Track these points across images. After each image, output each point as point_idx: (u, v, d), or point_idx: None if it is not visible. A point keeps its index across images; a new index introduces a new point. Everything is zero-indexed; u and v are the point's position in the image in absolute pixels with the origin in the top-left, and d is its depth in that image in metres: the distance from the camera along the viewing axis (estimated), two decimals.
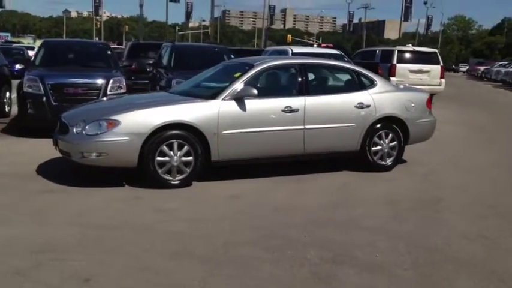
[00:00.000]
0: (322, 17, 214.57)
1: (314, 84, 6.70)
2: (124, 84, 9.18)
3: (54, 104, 8.45)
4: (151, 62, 12.13)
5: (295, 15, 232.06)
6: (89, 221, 4.63)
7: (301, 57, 7.84)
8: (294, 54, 11.64)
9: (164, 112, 5.75)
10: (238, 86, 6.05)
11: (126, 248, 4.04)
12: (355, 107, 6.58)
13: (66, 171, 6.27)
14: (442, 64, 16.24)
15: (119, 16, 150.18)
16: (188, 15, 73.86)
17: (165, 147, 5.66)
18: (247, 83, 6.10)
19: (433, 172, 7.03)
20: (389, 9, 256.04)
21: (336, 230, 4.58)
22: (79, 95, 8.68)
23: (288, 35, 73.37)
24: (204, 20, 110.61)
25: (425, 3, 67.51)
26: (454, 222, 4.93)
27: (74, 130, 5.68)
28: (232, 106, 5.96)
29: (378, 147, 6.78)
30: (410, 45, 17.65)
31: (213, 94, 6.08)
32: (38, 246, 3.98)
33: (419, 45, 33.62)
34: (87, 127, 5.61)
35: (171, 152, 5.69)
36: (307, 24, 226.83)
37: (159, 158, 5.66)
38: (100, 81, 8.91)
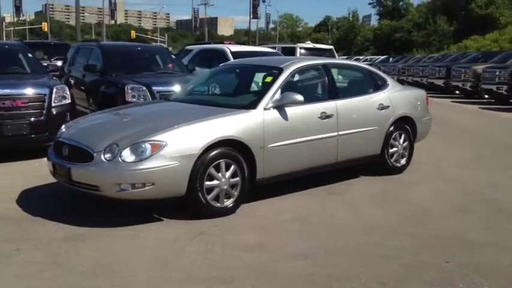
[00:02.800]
0: (156, 12, 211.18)
1: (340, 86, 6.23)
2: (68, 93, 7.74)
3: None
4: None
5: (126, 11, 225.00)
6: (183, 276, 3.63)
7: (322, 58, 7.30)
8: (232, 53, 10.94)
9: (210, 127, 4.82)
10: (278, 92, 5.34)
11: None
12: (377, 108, 6.27)
13: (75, 208, 5.01)
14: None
15: None
16: (17, 9, 67.46)
17: (212, 170, 4.76)
18: (283, 89, 5.42)
19: (440, 169, 7.01)
20: (221, 7, 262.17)
21: (464, 250, 4.16)
22: (14, 109, 7.10)
23: (132, 31, 70.88)
24: (23, 15, 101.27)
25: (263, 1, 70.28)
26: None
27: (103, 157, 4.50)
28: (274, 115, 5.24)
29: (394, 149, 6.56)
30: (309, 42, 17.96)
31: (250, 103, 5.28)
32: None
33: (253, 42, 34.77)
34: (123, 152, 4.47)
35: (219, 174, 4.81)
36: (140, 20, 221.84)
37: (207, 183, 4.75)
38: (42, 91, 7.37)
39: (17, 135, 7.05)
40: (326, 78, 5.93)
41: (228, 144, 4.84)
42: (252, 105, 5.21)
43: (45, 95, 7.33)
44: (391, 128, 6.46)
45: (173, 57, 9.87)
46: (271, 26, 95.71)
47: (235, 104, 5.39)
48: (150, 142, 4.49)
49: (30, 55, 8.69)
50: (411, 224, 4.78)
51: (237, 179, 4.93)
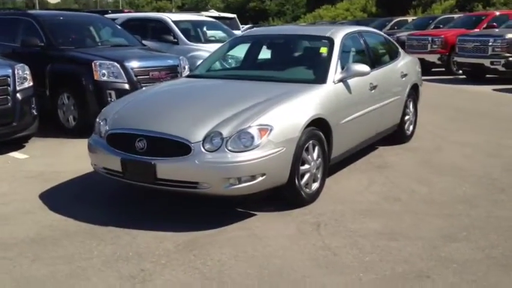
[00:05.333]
0: None
1: (374, 55, 5.99)
2: (29, 73, 6.45)
3: None
4: None
5: None
6: (369, 276, 3.23)
7: (355, 25, 6.85)
8: (175, 22, 10.00)
9: (300, 106, 4.33)
10: (339, 64, 4.97)
11: None
12: (400, 76, 6.22)
13: (134, 211, 4.20)
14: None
15: None
16: None
17: (304, 153, 4.30)
18: (342, 59, 5.07)
19: (434, 131, 7.23)
20: None
21: None
22: None
23: None
24: None
25: None
26: None
27: (204, 148, 3.79)
28: (341, 89, 4.89)
29: (407, 117, 6.57)
30: (213, 10, 17.21)
31: (318, 77, 4.84)
32: None
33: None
34: (230, 141, 3.80)
35: (309, 157, 4.36)
36: None
37: (301, 168, 4.28)
38: (4, 72, 6.03)
39: None
40: (364, 46, 5.69)
41: (313, 123, 4.39)
42: (321, 79, 4.79)
43: (8, 76, 6.01)
44: (407, 96, 6.45)
45: (119, 27, 8.71)
46: None
47: (298, 78, 4.91)
48: (258, 127, 3.88)
49: None
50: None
51: (320, 160, 4.52)
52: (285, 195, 4.25)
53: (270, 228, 3.91)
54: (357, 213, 4.22)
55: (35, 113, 6.36)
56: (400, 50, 6.64)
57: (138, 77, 7.11)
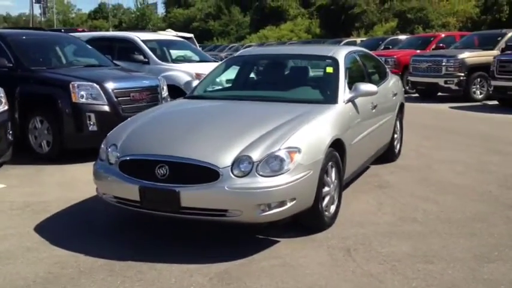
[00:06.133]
0: None
1: (371, 74, 5.96)
2: (4, 96, 5.99)
3: None
4: None
5: None
6: None
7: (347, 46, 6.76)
8: (144, 41, 9.66)
9: (320, 128, 4.20)
10: (348, 84, 4.91)
11: None
12: (392, 96, 6.25)
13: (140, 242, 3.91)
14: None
15: None
16: None
17: (324, 175, 4.17)
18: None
19: (414, 146, 7.30)
20: None
21: None
22: None
23: None
24: None
25: None
26: None
27: (233, 173, 3.57)
28: (350, 109, 4.82)
29: (396, 135, 6.61)
30: (170, 29, 16.88)
31: (328, 97, 4.74)
32: None
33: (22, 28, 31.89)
34: (260, 165, 3.61)
35: (328, 179, 4.24)
36: None
37: (323, 190, 4.14)
38: None
39: None
40: (363, 66, 5.67)
41: (332, 144, 4.27)
42: (332, 99, 4.70)
43: None
44: (396, 115, 6.49)
45: (89, 47, 8.31)
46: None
47: (308, 98, 4.80)
48: (287, 149, 3.71)
49: None
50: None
51: (336, 182, 4.40)
52: (307, 220, 4.08)
53: (301, 256, 3.72)
54: (380, 235, 4.12)
55: (11, 139, 5.90)
56: (388, 69, 6.69)
57: (119, 99, 6.77)
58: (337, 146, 4.35)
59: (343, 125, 4.54)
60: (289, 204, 3.67)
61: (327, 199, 4.18)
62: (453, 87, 13.67)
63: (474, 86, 13.70)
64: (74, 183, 5.76)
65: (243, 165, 3.59)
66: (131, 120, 4.54)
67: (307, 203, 3.87)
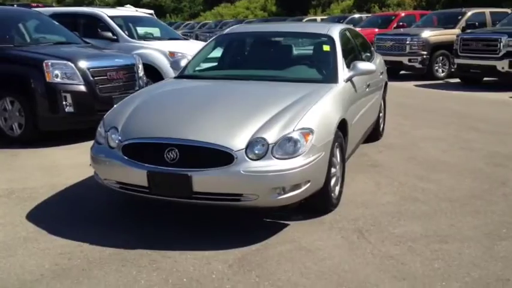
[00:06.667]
0: None
1: (362, 52, 5.87)
2: None
3: None
4: None
5: None
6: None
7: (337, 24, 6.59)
8: (112, 17, 9.21)
9: (326, 108, 4.09)
10: (347, 62, 4.82)
11: None
12: (379, 74, 6.21)
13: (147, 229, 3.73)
14: None
15: None
16: None
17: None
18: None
19: (394, 125, 7.35)
20: None
21: None
22: None
23: None
24: None
25: None
26: None
27: (247, 155, 3.43)
28: (349, 88, 4.74)
29: (381, 114, 6.62)
30: (129, 5, 16.24)
31: (328, 76, 4.64)
32: None
33: None
34: (275, 147, 3.48)
35: (335, 160, 4.16)
36: None
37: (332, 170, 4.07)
38: None
39: None
40: (355, 43, 5.59)
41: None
42: (332, 78, 4.60)
43: None
44: (382, 93, 6.48)
45: (56, 23, 7.84)
46: None
47: (308, 78, 4.68)
48: (301, 131, 3.59)
49: None
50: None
51: (340, 162, 4.34)
52: (315, 202, 3.99)
53: (315, 239, 3.65)
54: (387, 215, 4.09)
55: None
56: (372, 47, 6.65)
57: (96, 78, 6.44)
58: (340, 126, 4.26)
59: (346, 105, 4.46)
60: (304, 187, 3.57)
61: (333, 180, 4.11)
62: (417, 65, 13.88)
63: (437, 65, 13.97)
64: (55, 167, 5.46)
65: (257, 147, 3.46)
66: (126, 102, 4.29)
67: (319, 184, 3.78)
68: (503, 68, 11.29)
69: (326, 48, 4.89)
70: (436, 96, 11.02)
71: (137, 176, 3.53)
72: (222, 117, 3.73)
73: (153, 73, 8.32)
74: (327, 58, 4.83)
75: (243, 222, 3.93)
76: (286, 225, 3.88)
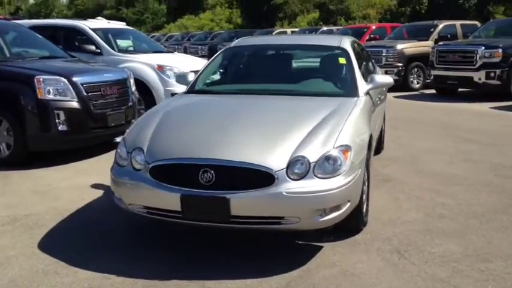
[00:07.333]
0: None
1: (370, 64, 5.78)
2: None
3: None
4: None
5: None
6: None
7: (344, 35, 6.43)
8: (94, 30, 8.85)
9: (357, 123, 3.94)
10: (363, 75, 4.72)
11: None
12: None
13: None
14: None
15: None
16: None
17: None
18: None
19: (388, 137, 7.30)
20: None
21: None
22: None
23: None
24: None
25: None
26: None
27: (288, 176, 3.24)
28: (368, 101, 4.60)
29: (383, 126, 6.54)
30: (100, 18, 15.68)
31: (349, 90, 4.49)
32: None
33: None
34: (317, 166, 3.30)
35: (365, 177, 4.01)
36: None
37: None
38: None
39: None
40: (363, 56, 5.50)
41: None
42: (353, 92, 4.47)
43: None
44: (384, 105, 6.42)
45: (39, 36, 7.45)
46: None
47: (328, 92, 4.53)
48: (340, 148, 3.43)
49: None
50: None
51: (368, 179, 4.20)
52: (348, 221, 3.82)
53: (355, 262, 3.48)
54: (420, 234, 3.97)
55: None
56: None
57: (89, 94, 6.11)
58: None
59: (369, 119, 4.34)
60: (344, 208, 3.41)
61: (364, 198, 3.96)
62: (393, 77, 14.00)
63: (412, 76, 14.15)
64: (52, 190, 5.11)
65: (297, 166, 3.27)
66: (145, 121, 4.01)
67: (356, 203, 3.63)
68: (480, 79, 11.51)
69: (342, 60, 4.77)
70: (417, 107, 11.10)
71: (169, 200, 3.28)
72: (255, 135, 3.53)
73: (141, 87, 8.00)
74: (343, 71, 4.72)
75: (275, 244, 3.72)
76: (321, 247, 3.70)
